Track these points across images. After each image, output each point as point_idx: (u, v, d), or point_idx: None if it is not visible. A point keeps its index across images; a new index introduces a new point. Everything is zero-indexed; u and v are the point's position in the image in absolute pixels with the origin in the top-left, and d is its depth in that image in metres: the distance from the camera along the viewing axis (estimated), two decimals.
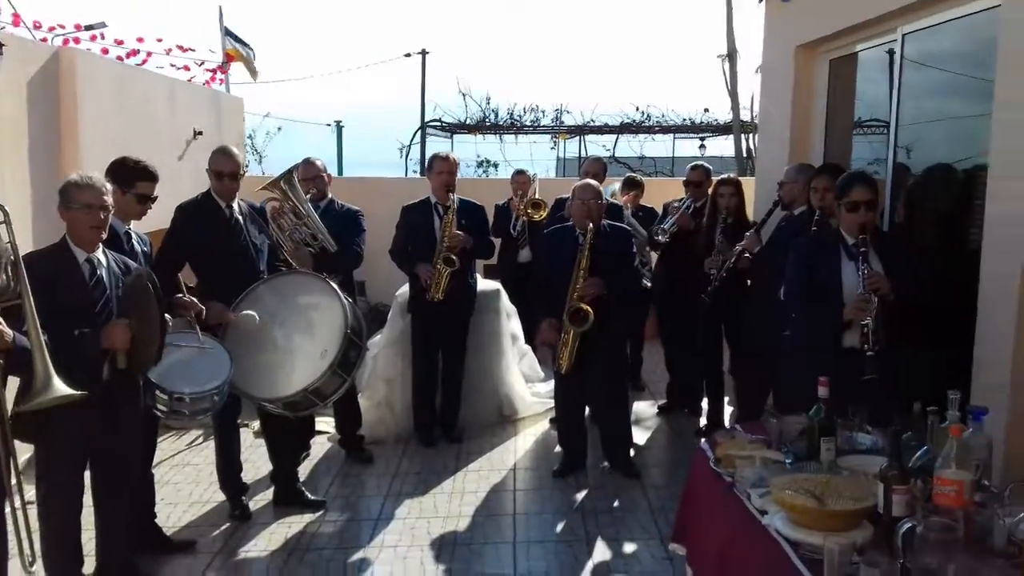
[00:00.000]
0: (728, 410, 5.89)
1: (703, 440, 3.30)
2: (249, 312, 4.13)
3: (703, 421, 5.93)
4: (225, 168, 4.30)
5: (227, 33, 9.30)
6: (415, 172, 15.68)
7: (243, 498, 4.53)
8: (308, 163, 5.30)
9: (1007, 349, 3.26)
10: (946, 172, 4.76)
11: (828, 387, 2.82)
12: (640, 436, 5.76)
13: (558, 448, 5.33)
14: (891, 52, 4.94)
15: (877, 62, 5.23)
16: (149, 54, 7.72)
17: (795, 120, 6.02)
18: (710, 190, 5.68)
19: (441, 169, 5.44)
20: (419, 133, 15.55)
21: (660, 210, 6.38)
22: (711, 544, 2.73)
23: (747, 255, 5.08)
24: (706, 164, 6.20)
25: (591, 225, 4.72)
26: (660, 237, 5.84)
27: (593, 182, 5.01)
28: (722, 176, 5.70)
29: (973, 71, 4.25)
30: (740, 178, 5.90)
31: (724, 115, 15.23)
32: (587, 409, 5.34)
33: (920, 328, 3.65)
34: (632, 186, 6.73)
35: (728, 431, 3.25)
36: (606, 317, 4.68)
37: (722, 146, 16.24)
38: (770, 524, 2.43)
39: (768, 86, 6.62)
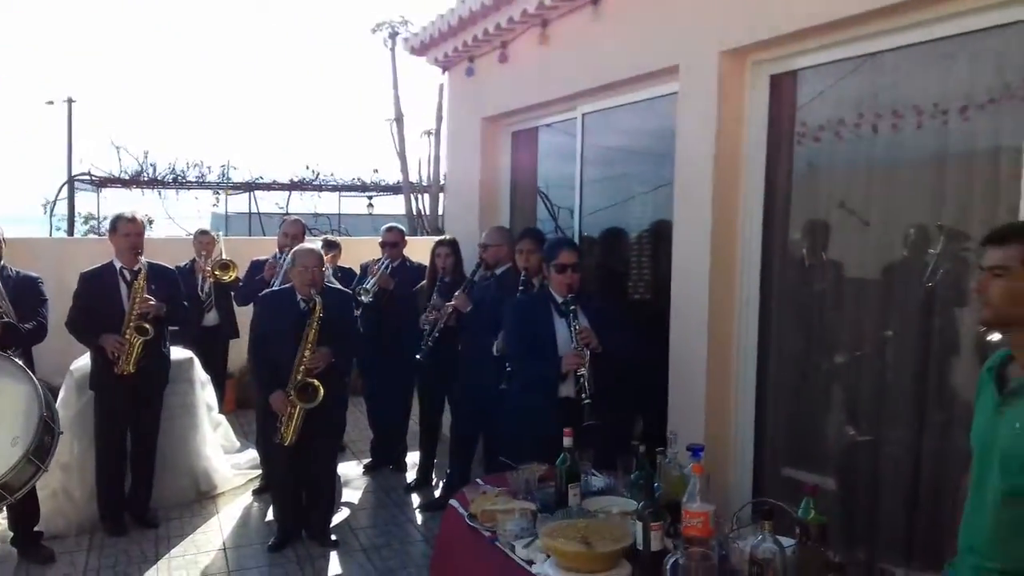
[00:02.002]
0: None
1: (450, 500, 3.39)
2: None
3: (411, 476, 6.02)
4: None
5: None
6: (60, 230, 14.09)
7: None
8: None
9: (700, 385, 3.77)
10: (620, 235, 5.40)
11: (571, 436, 3.06)
12: (350, 497, 5.70)
13: (269, 519, 5.10)
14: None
15: (560, 134, 5.78)
16: None
17: (483, 185, 6.44)
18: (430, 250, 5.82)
19: (128, 231, 5.01)
20: (66, 187, 14.01)
21: (357, 270, 6.46)
22: None
23: (452, 313, 5.29)
24: (399, 225, 6.39)
25: (316, 294, 4.62)
26: (363, 297, 5.89)
27: (316, 247, 4.93)
28: (440, 237, 5.90)
29: (642, 146, 4.90)
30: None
31: (393, 175, 15.70)
32: None
33: (623, 375, 4.10)
34: (331, 247, 6.72)
35: (475, 486, 3.37)
36: (330, 385, 4.60)
37: (390, 205, 16.70)
38: (540, 572, 2.57)
39: (455, 153, 7.02)
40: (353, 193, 15.72)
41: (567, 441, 3.04)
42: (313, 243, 6.50)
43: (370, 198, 16.05)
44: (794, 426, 3.75)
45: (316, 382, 4.50)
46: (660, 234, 4.71)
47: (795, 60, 3.57)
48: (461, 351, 5.33)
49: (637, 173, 5.24)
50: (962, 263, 3.09)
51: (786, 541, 2.55)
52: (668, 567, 2.32)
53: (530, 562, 2.66)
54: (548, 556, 2.61)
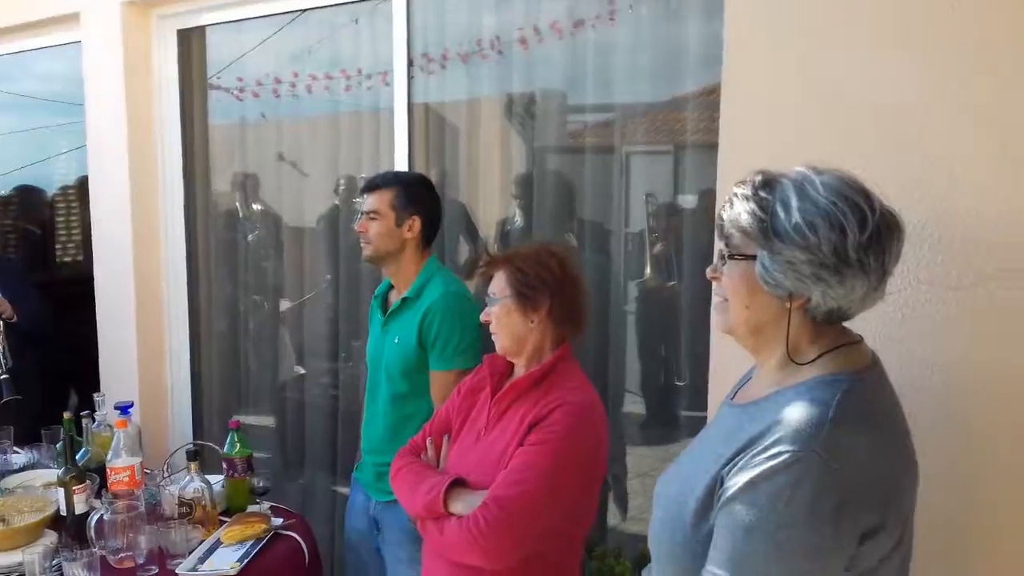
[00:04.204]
0: None
1: None
2: None
3: None
4: None
5: None
6: None
7: None
8: None
9: (131, 343, 3.69)
10: (36, 193, 4.96)
11: None
12: None
13: None
14: None
15: None
16: None
17: None
18: None
19: None
20: None
21: None
22: None
23: None
24: None
25: None
26: None
27: None
28: None
29: (64, 96, 4.52)
30: None
31: None
32: None
33: (45, 343, 3.83)
34: None
35: None
36: None
37: None
38: None
39: None
40: None
41: None
42: None
43: None
44: (236, 372, 3.89)
45: None
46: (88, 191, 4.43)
47: (202, 16, 3.61)
48: None
49: (59, 126, 4.82)
50: None
51: (217, 477, 2.71)
52: (92, 525, 2.30)
53: None
54: None
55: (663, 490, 1.43)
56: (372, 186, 2.56)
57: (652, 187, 3.01)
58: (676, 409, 2.99)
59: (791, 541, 1.16)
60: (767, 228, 1.24)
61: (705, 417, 2.68)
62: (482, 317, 2.04)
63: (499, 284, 2.00)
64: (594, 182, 2.99)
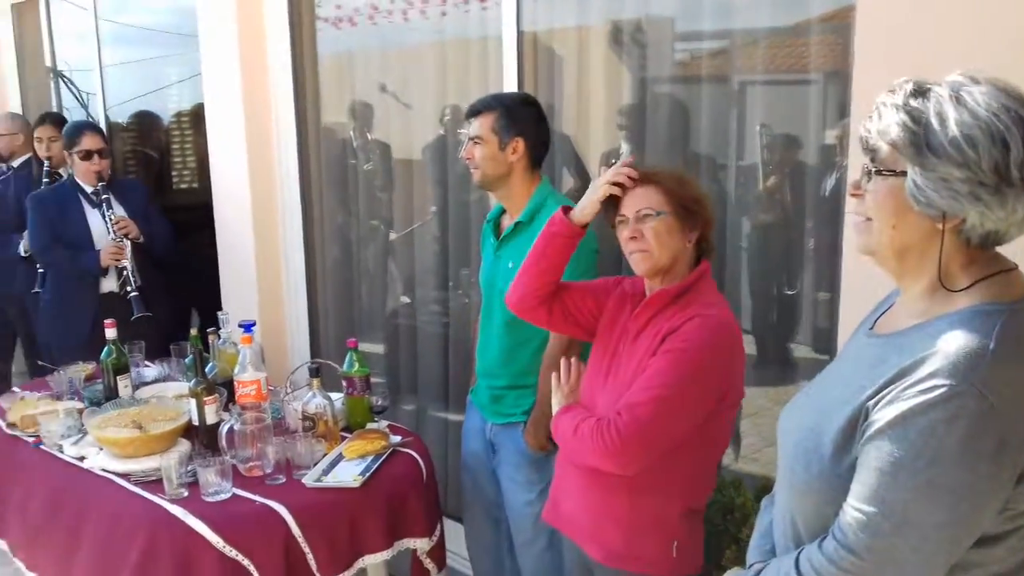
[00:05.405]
0: None
1: None
2: None
3: None
4: None
5: None
6: None
7: None
8: None
9: (250, 266, 3.83)
10: (153, 119, 5.14)
11: (114, 328, 2.93)
12: None
13: None
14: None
15: (76, 8, 5.19)
16: None
17: None
18: None
19: None
20: None
21: None
22: (32, 509, 2.61)
23: None
24: None
25: None
26: None
27: None
28: None
29: (176, 27, 4.63)
30: None
31: None
32: None
33: (171, 264, 4.01)
34: None
35: (11, 394, 3.09)
36: None
37: None
38: (93, 466, 2.50)
39: None
40: None
41: (110, 333, 2.90)
42: None
43: None
44: (349, 299, 3.98)
45: None
46: (203, 119, 4.56)
47: None
48: None
49: (172, 56, 4.96)
50: None
51: (336, 395, 2.80)
52: (223, 434, 2.42)
53: (81, 458, 2.56)
54: (101, 449, 2.54)
55: (795, 422, 1.38)
56: (474, 111, 2.52)
57: (766, 118, 2.90)
58: (789, 349, 2.92)
59: (942, 479, 1.10)
60: (920, 142, 1.14)
61: (819, 358, 2.61)
62: (628, 234, 1.93)
63: (654, 199, 1.91)
64: (707, 113, 2.89)
